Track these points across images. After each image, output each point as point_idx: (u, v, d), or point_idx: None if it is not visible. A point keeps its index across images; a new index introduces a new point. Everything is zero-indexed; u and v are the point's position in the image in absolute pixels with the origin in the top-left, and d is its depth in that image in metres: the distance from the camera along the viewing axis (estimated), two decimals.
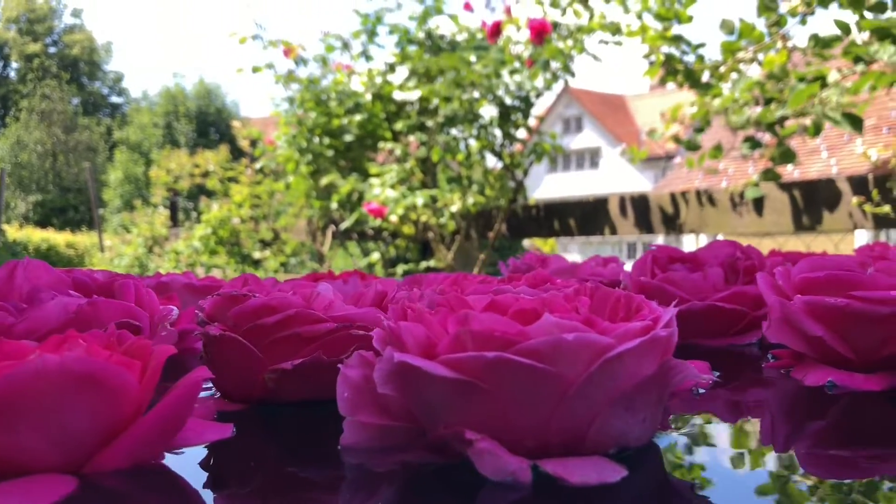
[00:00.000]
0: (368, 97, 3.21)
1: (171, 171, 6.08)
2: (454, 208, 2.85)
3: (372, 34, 3.20)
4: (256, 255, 4.36)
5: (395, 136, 3.19)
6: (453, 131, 3.13)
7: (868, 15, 2.44)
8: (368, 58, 3.24)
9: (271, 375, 0.44)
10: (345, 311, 0.45)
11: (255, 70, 3.04)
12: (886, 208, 2.11)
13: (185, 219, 5.68)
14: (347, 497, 0.33)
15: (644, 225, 2.94)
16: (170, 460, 0.35)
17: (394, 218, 2.71)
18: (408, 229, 2.84)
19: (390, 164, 3.02)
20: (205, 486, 0.33)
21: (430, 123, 3.02)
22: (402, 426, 0.35)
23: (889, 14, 2.48)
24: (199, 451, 0.37)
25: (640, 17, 2.99)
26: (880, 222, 2.23)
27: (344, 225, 3.09)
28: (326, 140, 3.05)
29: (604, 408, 0.32)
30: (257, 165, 3.86)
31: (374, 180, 2.85)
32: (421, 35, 3.27)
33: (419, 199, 2.69)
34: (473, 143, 3.15)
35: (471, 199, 2.90)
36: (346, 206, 3.15)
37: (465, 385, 0.31)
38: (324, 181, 2.98)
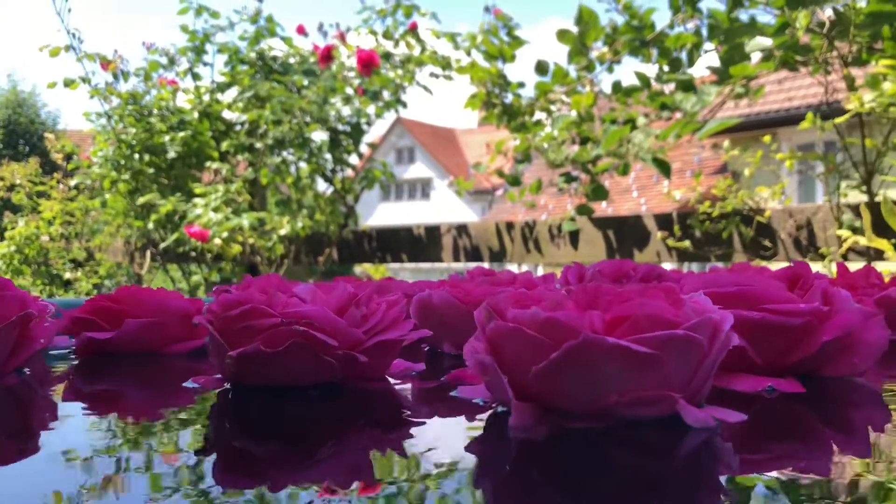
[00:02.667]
0: (195, 115, 3.11)
1: None
2: (283, 232, 2.80)
3: (200, 52, 3.11)
4: (67, 275, 4.07)
5: (223, 156, 3.10)
6: (284, 154, 3.09)
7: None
8: (196, 76, 3.14)
9: (229, 361, 0.51)
10: (295, 308, 0.51)
11: (68, 84, 2.85)
12: (686, 243, 2.29)
13: None
14: (535, 461, 0.38)
15: (472, 254, 3.02)
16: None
17: (217, 241, 2.63)
18: (233, 251, 2.76)
19: (216, 184, 2.93)
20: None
21: (259, 145, 2.97)
22: (543, 405, 0.41)
23: (686, 70, 2.72)
24: None
25: (468, 53, 3.10)
26: (682, 256, 2.42)
27: (163, 245, 2.96)
28: (147, 157, 2.92)
29: (714, 368, 0.42)
30: (72, 182, 3.62)
31: (198, 200, 2.75)
32: (252, 56, 3.22)
33: (245, 221, 2.62)
34: (304, 166, 3.12)
35: (300, 223, 2.87)
36: (167, 226, 3.03)
37: (648, 357, 0.38)
38: (141, 200, 2.84)
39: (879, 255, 1.57)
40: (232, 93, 3.18)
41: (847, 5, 1.97)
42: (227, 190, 2.77)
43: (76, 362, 0.69)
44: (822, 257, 1.99)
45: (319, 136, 3.13)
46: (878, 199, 1.78)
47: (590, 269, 0.73)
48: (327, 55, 3.02)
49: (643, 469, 0.37)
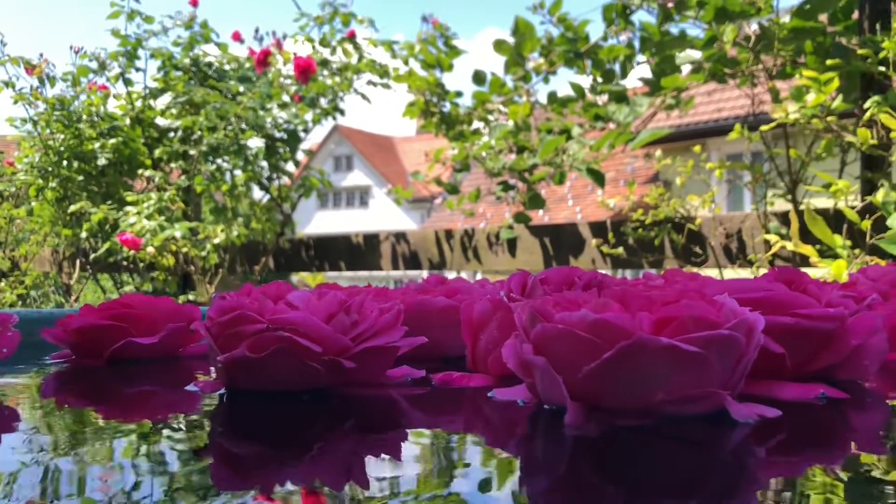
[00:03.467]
0: (127, 121, 3.04)
1: None
2: (217, 240, 2.76)
3: (132, 57, 3.04)
4: None
5: (156, 164, 3.04)
6: (218, 161, 3.04)
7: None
8: (127, 81, 3.07)
9: (219, 366, 0.52)
10: (282, 315, 0.52)
11: None
12: (620, 250, 2.34)
13: None
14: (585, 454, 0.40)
15: (411, 262, 3.02)
16: None
17: (150, 249, 2.57)
18: (166, 261, 2.71)
19: (149, 192, 2.87)
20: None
21: (193, 152, 2.92)
22: (591, 404, 0.43)
23: (619, 81, 2.78)
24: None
25: (406, 62, 3.11)
26: (615, 262, 2.46)
27: (94, 255, 2.88)
28: (76, 164, 2.84)
29: (748, 366, 0.44)
30: None
31: (130, 209, 2.69)
32: (186, 61, 3.17)
33: (178, 230, 2.57)
34: (240, 173, 3.08)
35: (235, 232, 2.83)
36: (99, 235, 2.95)
37: (696, 356, 0.40)
38: (72, 208, 2.76)
39: (805, 260, 1.63)
40: (165, 99, 3.12)
41: (771, 20, 2.05)
42: (160, 198, 2.71)
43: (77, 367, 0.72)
44: (751, 263, 2.06)
45: (255, 143, 3.09)
46: (803, 207, 1.85)
47: (532, 278, 0.74)
48: (263, 61, 2.99)
49: (692, 463, 0.39)
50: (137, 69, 3.10)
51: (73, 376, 0.71)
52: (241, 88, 3.02)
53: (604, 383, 0.42)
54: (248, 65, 3.20)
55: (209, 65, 3.23)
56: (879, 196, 1.40)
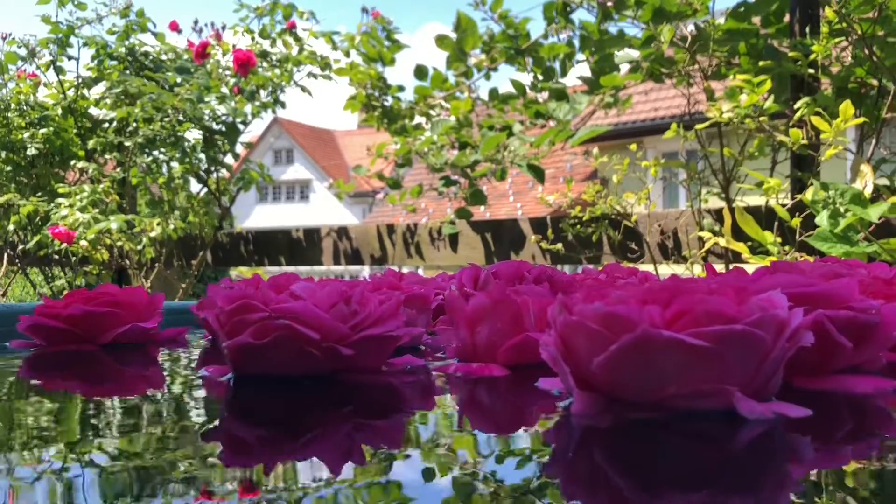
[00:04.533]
0: (59, 111, 2.95)
1: None
2: (153, 234, 2.70)
3: (64, 44, 2.95)
4: None
5: (89, 155, 2.96)
6: (155, 153, 2.98)
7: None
8: (59, 70, 2.98)
9: (225, 352, 0.56)
10: (284, 304, 0.55)
11: None
12: (559, 246, 2.37)
13: None
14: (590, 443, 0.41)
15: (353, 257, 3.01)
16: None
17: (84, 243, 2.50)
18: (100, 255, 2.64)
19: (82, 184, 2.79)
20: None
21: (128, 143, 2.85)
22: (607, 395, 0.44)
23: (559, 79, 2.82)
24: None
25: (347, 54, 3.09)
26: (555, 258, 2.49)
27: (23, 248, 2.79)
28: (4, 154, 2.74)
29: (781, 364, 0.43)
30: None
31: (62, 201, 2.61)
32: (122, 51, 3.09)
33: (113, 223, 2.51)
34: (177, 166, 3.02)
35: (172, 225, 2.77)
36: (28, 228, 2.85)
37: (704, 350, 0.40)
38: (1, 200, 2.67)
39: (737, 257, 1.68)
40: (99, 89, 3.03)
41: (707, 22, 2.10)
42: (94, 190, 2.64)
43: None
44: (685, 259, 2.11)
45: (193, 135, 3.03)
46: (735, 204, 1.91)
47: (484, 272, 0.75)
48: (202, 53, 2.93)
49: (697, 458, 0.39)
50: (70, 57, 3.02)
51: (76, 360, 0.77)
52: (179, 79, 2.96)
53: (616, 375, 0.42)
54: (186, 56, 3.14)
55: (146, 55, 3.15)
56: (809, 194, 1.45)
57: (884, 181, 1.81)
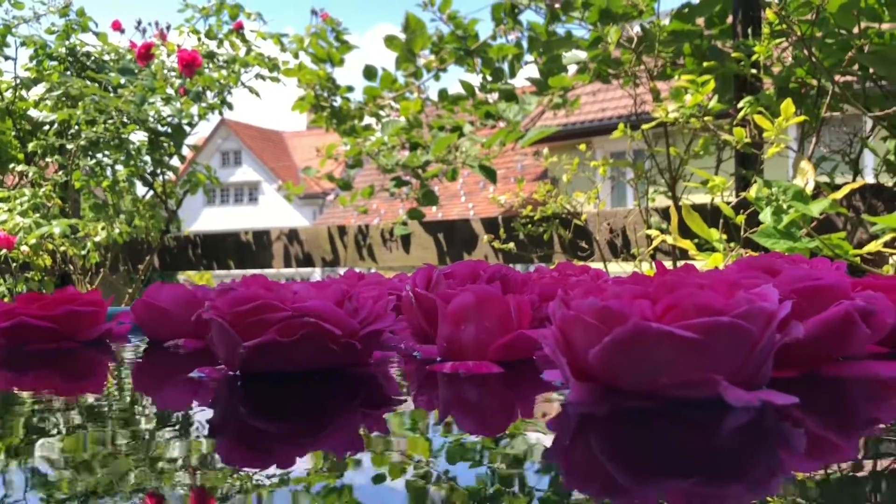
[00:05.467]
0: None
1: None
2: (98, 238, 2.64)
3: (0, 44, 2.86)
4: None
5: (29, 158, 2.88)
6: (98, 156, 2.91)
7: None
8: None
9: (243, 351, 0.57)
10: (302, 303, 0.58)
11: None
12: (511, 245, 2.38)
13: None
14: (586, 430, 0.44)
15: (304, 259, 2.98)
16: None
17: (25, 248, 2.43)
18: (42, 261, 2.57)
19: (22, 188, 2.71)
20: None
21: (70, 146, 2.78)
22: (603, 385, 0.46)
23: (508, 80, 2.83)
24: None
25: (296, 55, 3.06)
26: (507, 258, 2.51)
27: None
28: None
29: (770, 354, 0.45)
30: None
31: (1, 205, 2.53)
32: (62, 51, 3.01)
33: (56, 227, 2.44)
34: (121, 169, 2.96)
35: (117, 229, 2.71)
36: None
37: (692, 342, 0.41)
38: None
39: (684, 254, 1.71)
40: (39, 90, 2.95)
41: (652, 23, 2.13)
42: (34, 194, 2.57)
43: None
44: (634, 257, 2.14)
45: (138, 137, 2.97)
46: (682, 202, 1.94)
47: (437, 272, 0.75)
48: (146, 54, 2.87)
49: (687, 444, 0.41)
50: (7, 57, 2.93)
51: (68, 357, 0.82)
52: (123, 81, 2.89)
53: (610, 366, 0.45)
54: (129, 56, 3.07)
55: (87, 55, 3.08)
56: (752, 192, 1.49)
57: (824, 178, 1.87)
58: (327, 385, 0.59)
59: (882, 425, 0.46)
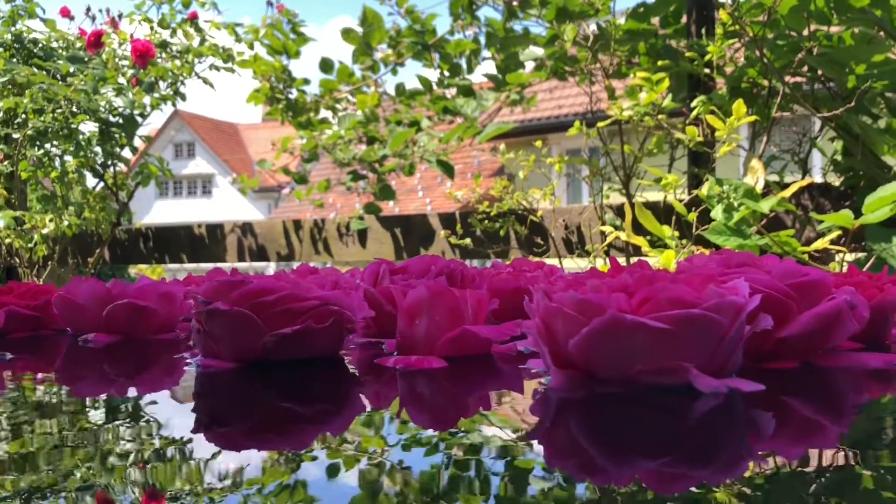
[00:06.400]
0: None
1: None
2: (46, 231, 2.57)
3: None
4: None
5: None
6: (46, 146, 2.84)
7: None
8: None
9: (271, 339, 0.59)
10: (320, 293, 0.61)
11: None
12: (468, 241, 2.39)
13: None
14: (565, 414, 0.47)
15: (258, 253, 2.95)
16: None
17: None
18: None
19: None
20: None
21: (17, 136, 2.70)
22: (583, 373, 0.49)
23: (465, 76, 2.83)
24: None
25: (251, 46, 3.03)
26: (464, 253, 2.51)
27: None
28: None
29: (739, 344, 0.47)
30: None
31: None
32: (8, 37, 2.93)
33: (0, 220, 2.38)
34: (71, 159, 2.89)
35: (66, 221, 2.65)
36: None
37: (664, 332, 0.44)
38: None
39: (637, 250, 1.73)
40: None
41: (608, 22, 2.15)
42: None
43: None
44: (588, 253, 2.16)
45: (88, 127, 2.90)
46: (636, 200, 1.96)
47: (384, 267, 0.75)
48: (96, 41, 2.81)
49: (659, 428, 0.43)
50: None
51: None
52: (72, 69, 2.83)
53: (588, 354, 0.48)
54: (78, 44, 3.00)
55: (34, 42, 3.00)
56: (704, 190, 1.51)
57: (774, 177, 1.90)
58: (327, 369, 0.62)
59: (863, 411, 0.49)
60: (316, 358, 0.64)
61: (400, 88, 2.93)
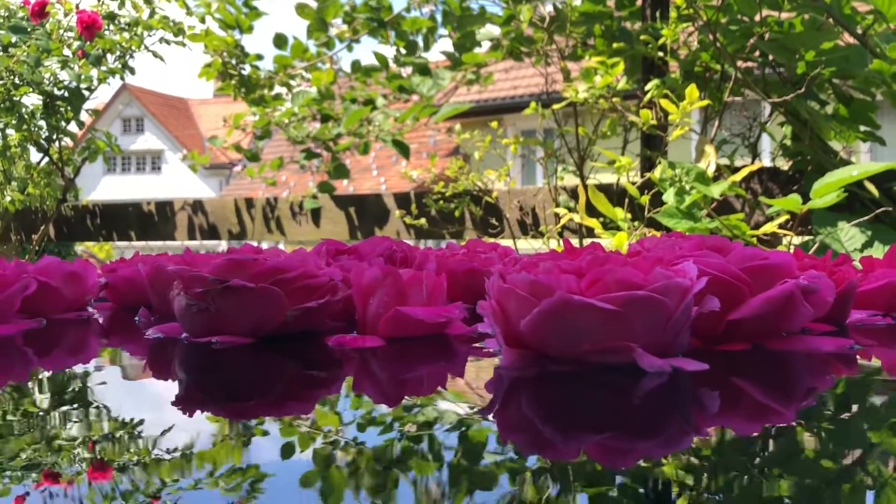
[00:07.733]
0: None
1: None
2: None
3: None
4: None
5: None
6: None
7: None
8: None
9: (294, 313, 0.62)
10: (326, 270, 0.65)
11: None
12: (423, 221, 2.38)
13: None
14: (516, 391, 0.49)
15: (209, 232, 2.90)
16: None
17: None
18: None
19: None
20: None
21: None
22: (535, 352, 0.51)
23: (421, 54, 2.82)
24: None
25: (202, 20, 2.96)
26: (419, 233, 2.51)
27: None
28: None
29: (685, 325, 0.49)
30: None
31: None
32: None
33: None
34: (13, 133, 2.80)
35: (9, 197, 2.58)
36: None
37: (610, 313, 0.46)
38: None
39: (591, 232, 1.74)
40: None
41: (564, 3, 2.16)
42: None
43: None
44: (542, 235, 2.17)
45: (32, 100, 2.81)
46: (589, 182, 1.98)
47: (324, 249, 0.75)
48: (40, 11, 2.72)
49: (605, 404, 0.45)
50: None
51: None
52: (14, 39, 2.73)
53: (538, 334, 0.49)
54: (21, 13, 2.90)
55: None
56: (657, 173, 1.53)
57: (725, 161, 1.93)
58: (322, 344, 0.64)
59: (813, 394, 0.50)
60: (324, 331, 0.68)
61: (356, 65, 2.90)
